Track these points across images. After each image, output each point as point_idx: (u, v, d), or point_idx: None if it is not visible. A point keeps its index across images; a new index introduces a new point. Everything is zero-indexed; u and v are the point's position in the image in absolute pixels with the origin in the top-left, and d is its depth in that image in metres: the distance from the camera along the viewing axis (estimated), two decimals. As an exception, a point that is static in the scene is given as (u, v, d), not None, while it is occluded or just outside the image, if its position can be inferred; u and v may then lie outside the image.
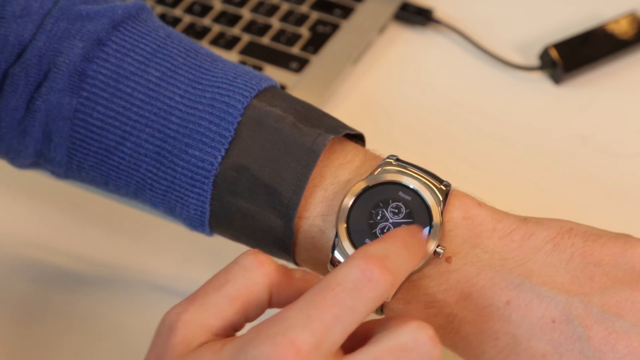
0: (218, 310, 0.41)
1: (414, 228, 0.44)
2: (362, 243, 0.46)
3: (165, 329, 0.41)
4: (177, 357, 0.40)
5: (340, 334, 0.39)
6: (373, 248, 0.41)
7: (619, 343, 0.44)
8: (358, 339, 0.41)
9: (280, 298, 0.43)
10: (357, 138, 0.52)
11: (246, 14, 0.74)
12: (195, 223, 0.51)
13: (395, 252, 0.41)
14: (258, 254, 0.42)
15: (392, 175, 0.47)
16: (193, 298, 0.42)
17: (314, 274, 0.44)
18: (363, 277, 0.39)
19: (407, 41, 0.74)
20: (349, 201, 0.47)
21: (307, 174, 0.48)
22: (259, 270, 0.42)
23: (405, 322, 0.40)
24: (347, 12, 0.73)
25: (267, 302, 0.42)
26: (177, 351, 0.40)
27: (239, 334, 0.42)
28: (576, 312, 0.44)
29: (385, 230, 0.47)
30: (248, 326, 0.41)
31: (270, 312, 0.41)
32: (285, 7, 0.74)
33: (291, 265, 0.51)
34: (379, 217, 0.47)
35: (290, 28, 0.72)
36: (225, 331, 0.41)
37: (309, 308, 0.39)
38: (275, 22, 0.73)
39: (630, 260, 0.46)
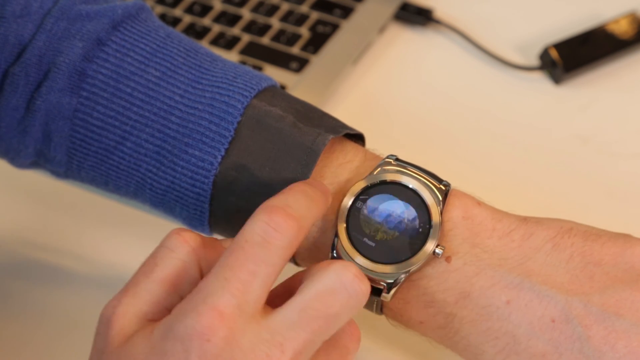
0: (150, 296, 0.41)
1: (312, 180, 0.45)
2: (361, 242, 0.46)
3: (103, 324, 0.41)
4: (115, 349, 0.40)
5: (260, 289, 0.39)
6: (273, 200, 0.42)
7: (619, 342, 0.44)
8: (289, 294, 0.41)
9: (211, 269, 0.43)
10: (357, 138, 0.52)
11: (246, 14, 0.74)
12: (195, 223, 0.51)
13: (295, 200, 0.42)
14: (181, 232, 0.43)
15: (392, 175, 0.47)
16: (125, 289, 0.42)
17: None
18: (268, 228, 0.40)
19: (407, 41, 0.74)
20: (348, 201, 0.47)
21: (307, 173, 0.48)
22: (184, 248, 0.42)
23: (327, 264, 0.41)
24: (347, 12, 0.73)
25: (199, 277, 0.43)
26: (115, 343, 0.40)
27: None
28: (576, 311, 0.44)
29: (384, 231, 0.47)
30: None
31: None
32: (285, 7, 0.74)
33: (291, 267, 0.51)
34: (378, 217, 0.47)
35: (290, 28, 0.72)
36: (160, 315, 0.41)
37: (224, 271, 0.39)
38: (275, 22, 0.73)
39: (630, 260, 0.46)
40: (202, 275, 0.43)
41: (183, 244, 0.42)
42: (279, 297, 0.42)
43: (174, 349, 0.38)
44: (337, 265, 0.41)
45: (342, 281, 0.40)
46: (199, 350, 0.38)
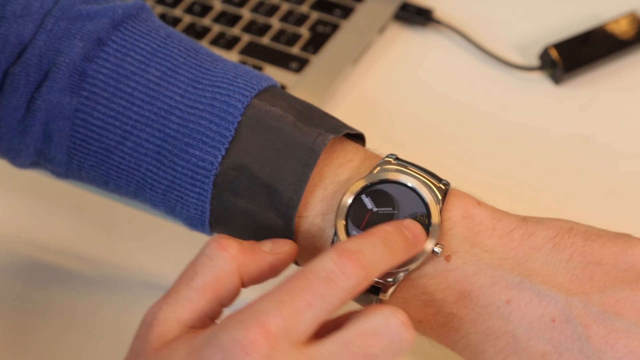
0: (190, 304, 0.42)
1: (402, 223, 0.45)
2: None
3: (143, 329, 0.42)
4: (154, 351, 0.41)
5: (311, 321, 0.40)
6: (349, 243, 0.42)
7: (619, 342, 0.44)
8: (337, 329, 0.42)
9: (252, 275, 0.44)
10: (358, 138, 0.52)
11: (246, 14, 0.74)
12: (195, 223, 0.51)
13: (372, 247, 0.42)
14: (221, 239, 0.43)
15: (392, 174, 0.47)
16: (167, 296, 0.43)
17: (283, 241, 0.46)
18: (336, 268, 0.40)
19: (407, 41, 0.74)
20: (347, 199, 0.47)
21: (307, 173, 0.48)
22: (223, 256, 0.43)
23: (377, 308, 0.41)
24: (347, 12, 0.73)
25: (239, 284, 0.44)
26: (153, 347, 0.41)
27: (218, 321, 0.43)
28: (576, 311, 0.44)
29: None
30: (227, 312, 0.42)
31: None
32: (285, 7, 0.74)
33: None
34: (378, 216, 0.47)
35: (290, 28, 0.72)
36: (200, 322, 0.42)
37: (281, 294, 0.40)
38: (275, 22, 0.73)
39: (630, 260, 0.46)
40: (242, 281, 0.44)
41: (222, 252, 0.43)
42: (327, 331, 0.42)
43: (212, 357, 0.39)
44: (387, 310, 0.41)
45: (388, 325, 0.41)
46: None
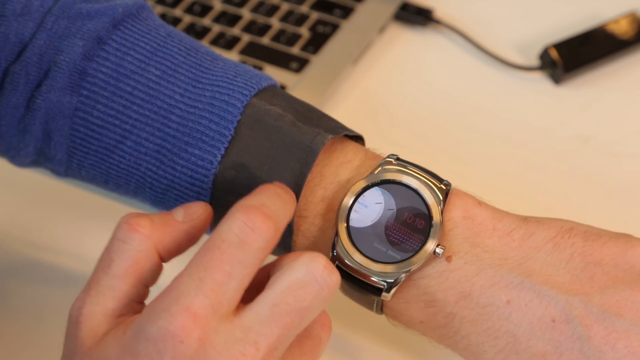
0: (114, 293, 0.41)
1: (279, 183, 0.44)
2: (362, 242, 0.46)
3: (72, 326, 0.41)
4: (87, 351, 0.40)
5: (235, 290, 0.39)
6: (249, 199, 0.41)
7: (619, 342, 0.44)
8: (256, 288, 0.41)
9: (170, 248, 0.43)
10: (357, 139, 0.52)
11: (246, 14, 0.74)
12: (195, 222, 0.51)
13: (271, 201, 0.41)
14: (130, 219, 0.42)
15: (392, 174, 0.47)
16: (88, 288, 0.42)
17: (194, 204, 0.44)
18: (246, 227, 0.40)
19: (407, 41, 0.74)
20: (349, 200, 0.47)
21: (306, 172, 0.48)
22: (136, 237, 0.42)
23: (296, 257, 0.41)
24: (347, 12, 0.73)
25: (159, 261, 0.42)
26: (87, 344, 0.40)
27: (147, 302, 0.42)
28: (576, 311, 0.44)
29: (384, 229, 0.47)
30: (154, 289, 0.42)
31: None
32: (285, 7, 0.74)
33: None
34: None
35: (290, 28, 0.72)
36: (128, 308, 0.41)
37: (198, 271, 0.39)
38: (275, 22, 0.73)
39: (631, 260, 0.46)
40: (161, 257, 0.43)
41: (134, 233, 0.42)
42: (247, 290, 0.41)
43: (146, 350, 0.38)
44: (306, 257, 0.40)
45: (312, 273, 0.40)
46: (172, 351, 0.38)
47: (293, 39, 0.72)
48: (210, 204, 0.49)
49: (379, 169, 0.48)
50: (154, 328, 0.38)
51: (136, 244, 0.42)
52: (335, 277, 0.40)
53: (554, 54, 0.69)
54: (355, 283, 0.47)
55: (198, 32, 0.72)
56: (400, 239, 0.46)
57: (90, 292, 0.41)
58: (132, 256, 0.42)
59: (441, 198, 0.47)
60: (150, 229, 0.42)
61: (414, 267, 0.46)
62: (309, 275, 0.40)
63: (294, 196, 0.44)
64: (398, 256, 0.46)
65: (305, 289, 0.40)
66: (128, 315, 0.41)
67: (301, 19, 0.73)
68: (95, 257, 0.57)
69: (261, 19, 0.73)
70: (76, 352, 0.40)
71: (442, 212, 0.47)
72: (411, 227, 0.47)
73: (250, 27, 0.73)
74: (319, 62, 0.70)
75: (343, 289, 0.48)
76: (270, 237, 0.40)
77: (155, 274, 0.42)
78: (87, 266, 0.60)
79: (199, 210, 0.44)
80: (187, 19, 0.74)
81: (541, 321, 0.45)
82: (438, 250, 0.46)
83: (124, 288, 0.41)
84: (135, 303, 0.42)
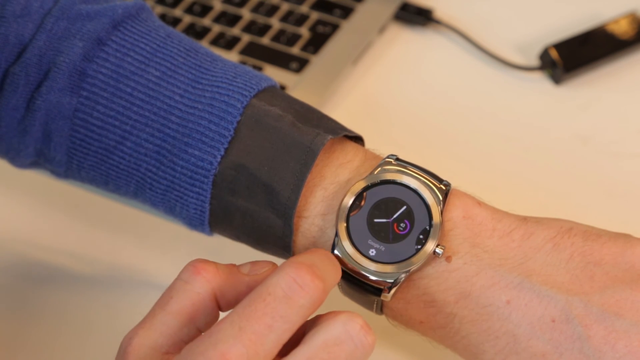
0: (165, 328, 0.41)
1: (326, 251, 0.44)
2: (362, 242, 0.46)
3: (120, 355, 0.42)
4: None
5: (274, 343, 0.39)
6: (302, 257, 0.41)
7: (619, 342, 0.44)
8: (292, 341, 0.41)
9: (229, 298, 0.43)
10: (357, 139, 0.52)
11: (246, 14, 0.74)
12: (195, 222, 0.51)
13: (322, 261, 0.42)
14: (197, 263, 0.43)
15: (392, 174, 0.47)
16: (143, 321, 0.42)
17: (263, 263, 0.44)
18: (294, 284, 0.40)
19: (407, 41, 0.74)
20: (348, 200, 0.47)
21: (306, 172, 0.48)
22: (197, 279, 0.42)
23: (334, 315, 0.40)
24: (347, 12, 0.73)
25: (216, 308, 0.43)
26: None
27: None
28: (576, 311, 0.44)
29: (385, 230, 0.47)
30: None
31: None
32: (285, 7, 0.74)
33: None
34: (378, 217, 0.47)
35: (290, 28, 0.72)
36: (176, 347, 0.41)
37: (240, 320, 0.39)
38: (275, 22, 0.73)
39: (630, 260, 0.46)
40: (219, 305, 0.43)
41: (196, 275, 0.42)
42: (286, 344, 0.42)
43: None
44: (344, 316, 0.40)
45: (349, 332, 0.40)
46: None
47: (293, 39, 0.72)
48: (210, 204, 0.49)
49: (379, 169, 0.48)
50: None
51: (197, 285, 0.42)
52: (371, 338, 0.40)
53: (554, 54, 0.69)
54: (355, 283, 0.47)
55: (198, 32, 0.72)
56: (400, 240, 0.46)
57: (145, 325, 0.42)
58: (190, 297, 0.42)
59: (441, 198, 0.47)
60: (213, 274, 0.42)
61: (413, 267, 0.46)
62: (345, 334, 0.40)
63: (339, 265, 0.44)
64: (398, 256, 0.46)
65: (340, 347, 0.40)
66: (175, 353, 0.41)
67: (301, 19, 0.73)
68: (95, 257, 0.57)
69: (261, 19, 0.73)
70: None
71: (441, 212, 0.47)
72: (410, 227, 0.47)
73: (250, 27, 0.73)
74: (319, 62, 0.70)
75: (343, 289, 0.48)
76: (317, 296, 0.40)
77: (209, 318, 0.43)
78: (87, 266, 0.60)
79: (265, 267, 0.44)
80: (187, 19, 0.74)
81: (541, 321, 0.45)
82: (438, 250, 0.46)
83: (176, 326, 0.42)
84: (184, 343, 0.42)
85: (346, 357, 0.40)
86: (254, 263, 0.44)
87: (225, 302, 0.43)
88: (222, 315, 0.43)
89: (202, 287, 0.42)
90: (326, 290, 0.41)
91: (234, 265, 0.44)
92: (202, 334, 0.40)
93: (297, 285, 0.40)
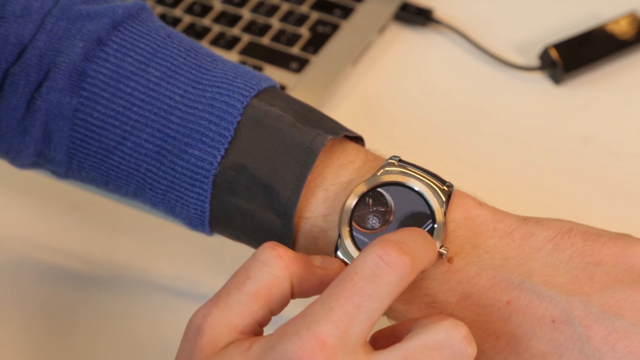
0: (241, 309, 0.42)
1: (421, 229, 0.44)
2: (365, 244, 0.46)
3: (192, 332, 0.41)
4: (205, 357, 0.41)
5: (364, 323, 0.39)
6: (390, 235, 0.41)
7: (619, 343, 0.44)
8: (395, 338, 0.41)
9: (303, 287, 0.43)
10: (358, 140, 0.52)
11: (246, 14, 0.74)
12: (195, 222, 0.51)
13: (413, 239, 0.42)
14: (276, 247, 0.43)
15: (395, 176, 0.47)
16: (217, 299, 0.42)
17: (333, 259, 0.45)
18: (380, 262, 0.40)
19: (407, 41, 0.74)
20: (352, 202, 0.47)
21: (306, 173, 0.48)
22: (277, 263, 0.42)
23: (439, 320, 0.41)
24: (347, 12, 0.73)
25: (290, 294, 0.43)
26: (205, 353, 0.41)
27: (266, 328, 0.43)
28: (576, 311, 0.44)
29: (388, 232, 0.47)
30: (274, 320, 0.42)
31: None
32: (285, 7, 0.74)
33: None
34: (381, 218, 0.47)
35: (290, 28, 0.72)
36: (251, 328, 0.42)
37: (330, 301, 0.39)
38: (275, 22, 0.73)
39: (630, 260, 0.46)
40: (293, 291, 0.43)
41: (277, 258, 0.42)
42: (384, 338, 0.42)
43: None
44: (449, 323, 0.40)
45: (450, 339, 0.40)
46: None
47: (293, 39, 0.72)
48: (210, 204, 0.49)
49: (381, 170, 0.48)
50: (283, 348, 0.39)
51: (276, 269, 0.42)
52: (472, 350, 0.40)
53: (554, 54, 0.69)
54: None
55: (198, 32, 0.72)
56: None
57: (219, 303, 0.42)
58: (269, 279, 0.42)
59: (444, 200, 0.47)
60: (291, 261, 0.43)
61: (430, 261, 0.46)
62: (447, 340, 0.40)
63: (435, 243, 0.44)
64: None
65: (440, 352, 0.40)
66: (249, 334, 0.42)
67: (301, 19, 0.73)
68: (95, 257, 0.57)
69: (261, 19, 0.73)
70: (193, 357, 0.41)
71: (445, 213, 0.47)
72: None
73: (250, 27, 0.73)
74: (319, 62, 0.70)
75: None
76: (405, 273, 0.40)
77: (282, 303, 0.43)
78: (88, 266, 0.60)
79: (335, 264, 0.45)
80: (187, 19, 0.74)
81: (541, 321, 0.45)
82: (442, 251, 0.46)
83: (253, 307, 0.42)
84: (258, 325, 0.42)
85: None
86: (324, 257, 0.45)
87: (298, 290, 0.43)
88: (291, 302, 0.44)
89: (280, 271, 0.42)
90: (415, 267, 0.41)
91: (306, 256, 0.44)
92: (297, 315, 0.40)
93: (384, 263, 0.40)
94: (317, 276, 0.44)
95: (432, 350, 0.40)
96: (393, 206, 0.47)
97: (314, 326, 0.39)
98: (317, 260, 0.44)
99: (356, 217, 0.47)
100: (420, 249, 0.42)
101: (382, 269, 0.40)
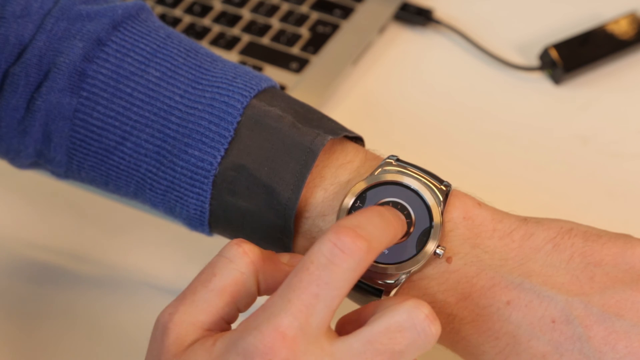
0: (207, 306, 0.42)
1: (390, 207, 0.44)
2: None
3: (159, 331, 0.42)
4: (172, 357, 0.41)
5: (324, 311, 0.39)
6: (345, 220, 0.41)
7: (619, 343, 0.44)
8: (360, 323, 0.41)
9: (269, 284, 0.43)
10: (357, 140, 0.52)
11: (246, 14, 0.74)
12: (195, 223, 0.51)
13: (369, 221, 0.41)
14: (242, 243, 0.43)
15: (393, 175, 0.47)
16: (183, 297, 0.42)
17: (300, 256, 0.44)
18: (335, 248, 0.39)
19: (407, 41, 0.74)
20: (349, 201, 0.47)
21: (305, 173, 0.48)
22: (243, 259, 0.42)
23: (401, 301, 0.40)
24: (347, 12, 0.73)
25: (256, 291, 0.43)
26: (171, 352, 0.41)
27: (233, 325, 0.42)
28: (576, 312, 0.44)
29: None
30: (241, 317, 0.42)
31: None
32: (285, 7, 0.74)
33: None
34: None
35: (290, 28, 0.72)
36: (217, 325, 0.42)
37: (288, 292, 0.39)
38: (275, 23, 0.73)
39: (631, 260, 0.46)
40: (259, 288, 0.43)
41: (243, 255, 0.42)
42: (350, 323, 0.42)
43: None
44: (410, 303, 0.40)
45: (413, 320, 0.40)
46: None
47: (293, 39, 0.72)
48: (210, 204, 0.49)
49: (379, 170, 0.48)
50: (245, 343, 0.39)
51: (242, 265, 0.42)
52: (435, 328, 0.40)
53: (554, 54, 0.69)
54: (356, 284, 0.47)
55: (198, 33, 0.72)
56: (400, 241, 0.46)
57: (185, 301, 0.42)
58: (235, 276, 0.42)
59: (441, 199, 0.47)
60: (257, 257, 0.43)
61: (414, 268, 0.46)
62: (410, 321, 0.40)
63: (402, 219, 0.44)
64: (398, 257, 0.46)
65: (403, 334, 0.40)
66: (215, 331, 0.42)
67: (301, 19, 0.73)
68: (95, 257, 0.57)
69: (261, 19, 0.73)
70: (161, 357, 0.41)
71: (442, 213, 0.47)
72: (410, 228, 0.47)
73: (250, 27, 0.73)
74: (319, 62, 0.70)
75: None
76: (361, 257, 0.40)
77: (249, 300, 0.43)
78: (87, 266, 0.60)
79: None
80: (187, 19, 0.74)
81: (541, 322, 0.45)
82: (438, 251, 0.46)
83: (219, 304, 0.42)
84: (225, 322, 0.42)
85: (407, 345, 0.40)
86: (292, 255, 0.45)
87: (264, 286, 0.43)
88: (259, 299, 0.44)
89: (246, 268, 0.42)
90: (372, 250, 0.40)
91: (274, 253, 0.44)
92: (257, 309, 0.40)
93: (338, 249, 0.39)
94: (284, 273, 0.43)
95: (395, 332, 0.40)
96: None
97: (274, 319, 0.39)
98: (284, 257, 0.44)
99: None
100: (378, 230, 0.41)
101: (337, 255, 0.39)
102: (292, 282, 0.40)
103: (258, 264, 0.43)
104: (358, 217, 0.41)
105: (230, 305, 0.42)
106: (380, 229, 0.42)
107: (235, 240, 0.43)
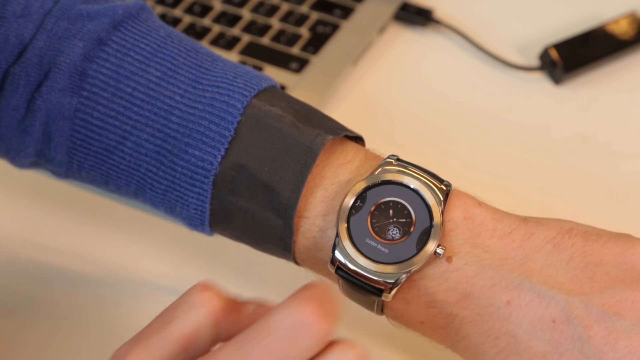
0: (160, 352, 0.40)
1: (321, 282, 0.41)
2: (363, 243, 0.46)
3: None
4: None
5: None
6: (307, 293, 0.38)
7: (619, 343, 0.44)
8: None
9: (231, 333, 0.41)
10: (357, 140, 0.52)
11: (246, 14, 0.74)
12: (195, 222, 0.51)
13: (328, 298, 0.38)
14: (206, 290, 0.41)
15: (393, 175, 0.47)
16: (138, 337, 0.41)
17: (267, 308, 0.42)
18: (298, 326, 0.37)
19: (407, 41, 0.74)
20: (349, 201, 0.47)
21: (306, 173, 0.48)
22: (203, 309, 0.40)
23: (332, 345, 0.38)
24: (347, 12, 0.73)
25: (210, 342, 0.41)
26: None
27: None
28: (576, 311, 0.44)
29: (385, 231, 0.47)
30: None
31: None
32: (285, 7, 0.74)
33: (290, 265, 0.51)
34: (379, 217, 0.47)
35: (290, 28, 0.72)
36: None
37: (240, 355, 0.38)
38: (275, 23, 0.73)
39: (631, 260, 0.46)
40: (220, 336, 0.41)
41: (203, 304, 0.40)
42: None
43: None
44: (340, 347, 0.38)
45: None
46: None
47: (293, 39, 0.72)
48: (210, 204, 0.49)
49: (379, 169, 0.48)
50: None
51: (201, 315, 0.40)
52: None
53: (554, 54, 0.69)
54: (356, 284, 0.47)
55: (198, 33, 0.72)
56: (401, 240, 0.46)
57: (139, 342, 0.40)
58: (194, 325, 0.40)
59: (442, 199, 0.47)
60: (219, 307, 0.40)
61: (414, 268, 0.46)
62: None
63: (341, 300, 0.41)
64: (399, 257, 0.46)
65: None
66: None
67: (301, 19, 0.73)
68: (95, 257, 0.57)
69: (261, 19, 0.73)
70: None
71: (442, 212, 0.47)
72: (411, 228, 0.47)
73: (250, 28, 0.73)
74: (319, 62, 0.70)
75: (343, 289, 0.48)
76: (323, 337, 0.38)
77: (201, 352, 0.41)
78: (87, 266, 0.60)
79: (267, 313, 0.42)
80: (187, 19, 0.74)
81: (541, 321, 0.45)
82: (439, 250, 0.46)
83: (173, 351, 0.40)
84: None
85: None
86: (258, 304, 0.42)
87: (226, 335, 0.41)
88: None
89: (205, 319, 0.40)
90: (333, 330, 0.38)
91: (240, 303, 0.42)
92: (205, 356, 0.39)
93: (305, 325, 0.37)
94: (246, 324, 0.40)
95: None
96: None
97: None
98: (249, 307, 0.41)
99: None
100: (336, 309, 0.38)
101: (299, 333, 0.37)
102: (248, 346, 0.38)
103: (219, 314, 0.40)
104: (318, 294, 0.38)
105: (183, 354, 0.40)
106: (337, 309, 0.39)
107: (201, 286, 0.41)
